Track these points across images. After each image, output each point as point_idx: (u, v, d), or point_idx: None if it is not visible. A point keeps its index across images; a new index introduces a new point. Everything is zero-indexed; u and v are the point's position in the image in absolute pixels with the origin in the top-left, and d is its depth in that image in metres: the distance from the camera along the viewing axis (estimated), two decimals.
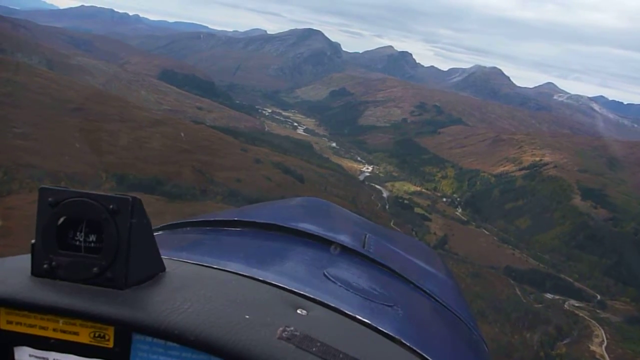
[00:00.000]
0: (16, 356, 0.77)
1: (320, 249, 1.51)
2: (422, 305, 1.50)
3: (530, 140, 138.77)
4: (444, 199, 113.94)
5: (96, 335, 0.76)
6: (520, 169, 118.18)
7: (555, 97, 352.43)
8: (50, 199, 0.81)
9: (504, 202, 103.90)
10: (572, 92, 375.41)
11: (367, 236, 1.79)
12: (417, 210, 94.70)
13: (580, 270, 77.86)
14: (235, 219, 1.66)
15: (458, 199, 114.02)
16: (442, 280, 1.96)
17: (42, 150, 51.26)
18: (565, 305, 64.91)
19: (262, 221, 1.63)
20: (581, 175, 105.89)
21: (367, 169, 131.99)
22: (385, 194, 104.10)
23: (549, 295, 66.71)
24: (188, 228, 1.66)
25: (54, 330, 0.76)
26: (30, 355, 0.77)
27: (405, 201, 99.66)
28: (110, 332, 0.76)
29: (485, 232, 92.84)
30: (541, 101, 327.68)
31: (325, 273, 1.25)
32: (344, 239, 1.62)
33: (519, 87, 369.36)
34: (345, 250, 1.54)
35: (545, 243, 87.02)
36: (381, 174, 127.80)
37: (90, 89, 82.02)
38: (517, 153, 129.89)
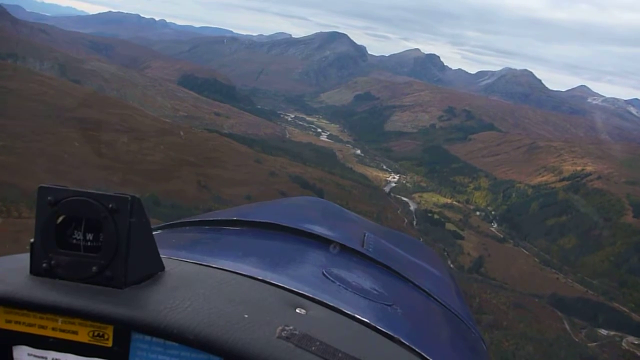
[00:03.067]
0: (15, 355, 0.78)
1: (319, 248, 1.51)
2: (421, 304, 1.51)
3: (570, 147, 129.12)
4: (477, 213, 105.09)
5: (95, 334, 0.76)
6: (561, 180, 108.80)
7: (589, 101, 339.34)
8: (49, 198, 0.80)
9: (544, 218, 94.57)
10: (607, 95, 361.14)
11: (366, 235, 1.80)
12: (449, 226, 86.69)
13: (636, 299, 68.62)
14: (234, 218, 1.65)
15: (492, 213, 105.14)
16: (441, 279, 1.98)
17: (26, 167, 45.32)
18: (623, 344, 56.20)
19: (261, 220, 1.63)
20: (630, 187, 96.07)
21: (393, 178, 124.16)
22: (412, 207, 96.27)
23: (603, 331, 58.03)
24: (187, 227, 1.66)
25: (53, 329, 0.76)
26: (29, 354, 0.77)
27: (435, 215, 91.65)
28: (109, 331, 0.76)
29: (525, 251, 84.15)
30: (575, 105, 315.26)
31: (324, 272, 1.26)
32: (343, 238, 1.62)
33: (551, 90, 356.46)
34: (344, 249, 1.54)
35: (593, 266, 77.67)
36: (408, 184, 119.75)
37: (93, 96, 76.52)
38: (556, 162, 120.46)
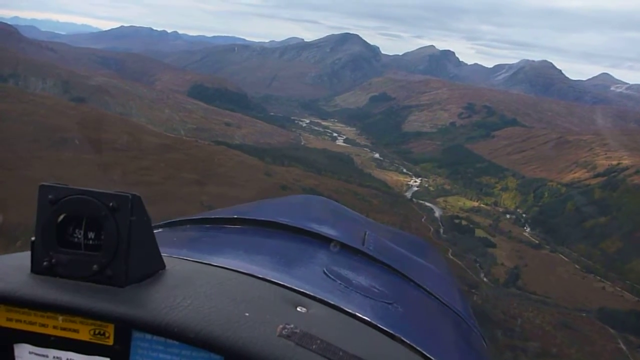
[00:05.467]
0: (16, 353, 0.78)
1: (320, 246, 1.51)
2: (422, 302, 1.51)
3: (601, 140, 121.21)
4: (507, 216, 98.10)
5: (96, 332, 0.76)
6: (595, 176, 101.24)
7: (612, 89, 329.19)
8: (50, 197, 0.81)
9: (582, 219, 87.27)
10: (630, 82, 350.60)
11: (367, 234, 1.81)
12: (478, 232, 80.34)
13: None
14: (235, 216, 1.66)
15: (524, 215, 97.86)
16: (441, 278, 1.99)
17: (6, 198, 40.60)
18: None
19: (261, 219, 1.63)
20: None
21: (415, 182, 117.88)
22: (437, 213, 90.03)
23: None
24: (188, 226, 1.66)
25: (54, 327, 0.77)
26: (30, 352, 0.78)
27: (463, 221, 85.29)
28: (110, 329, 0.76)
29: (564, 258, 77.18)
30: (597, 94, 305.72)
31: (325, 271, 1.26)
32: (344, 236, 1.63)
33: (572, 80, 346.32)
34: (345, 247, 1.54)
35: None
36: (431, 188, 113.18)
37: (89, 113, 72.19)
38: (588, 156, 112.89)
